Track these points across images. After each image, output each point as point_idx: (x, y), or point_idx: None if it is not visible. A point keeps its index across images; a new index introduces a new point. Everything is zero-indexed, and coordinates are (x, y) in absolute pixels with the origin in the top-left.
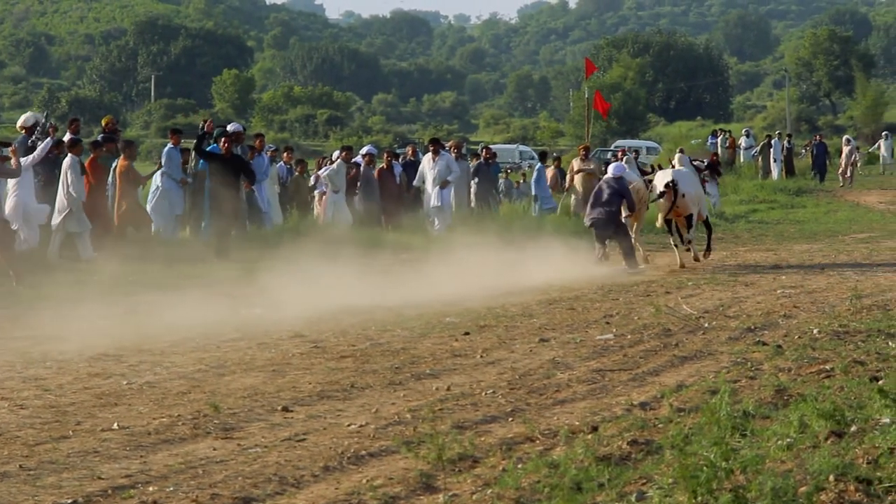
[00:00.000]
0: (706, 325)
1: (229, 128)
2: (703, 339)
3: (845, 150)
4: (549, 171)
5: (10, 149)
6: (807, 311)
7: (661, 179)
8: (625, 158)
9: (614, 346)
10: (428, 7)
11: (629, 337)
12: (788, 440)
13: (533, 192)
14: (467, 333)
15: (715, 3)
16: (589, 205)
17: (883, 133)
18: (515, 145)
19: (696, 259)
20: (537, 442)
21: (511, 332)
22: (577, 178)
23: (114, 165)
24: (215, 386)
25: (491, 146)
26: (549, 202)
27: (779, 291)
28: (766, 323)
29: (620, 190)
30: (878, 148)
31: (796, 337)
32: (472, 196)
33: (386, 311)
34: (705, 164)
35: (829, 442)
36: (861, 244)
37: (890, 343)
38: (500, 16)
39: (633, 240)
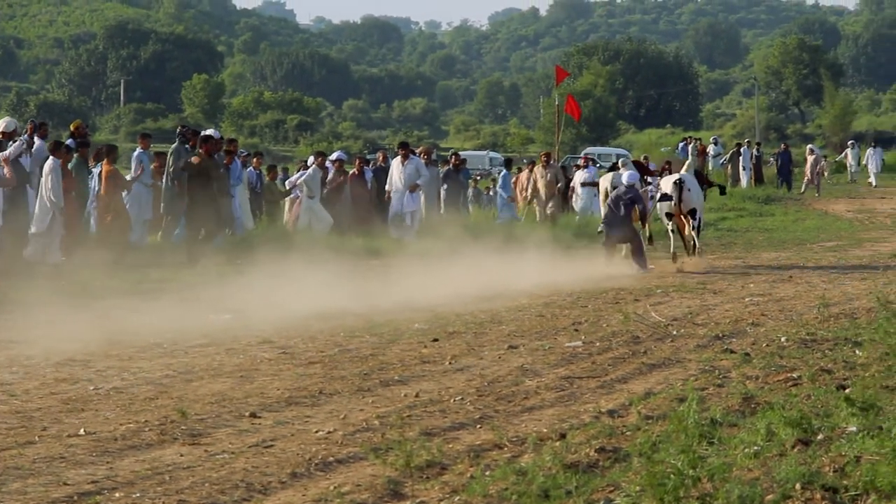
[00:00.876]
0: (674, 332)
1: (213, 133)
2: (672, 346)
3: (809, 159)
4: (524, 175)
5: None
6: (775, 320)
7: (668, 180)
8: (621, 161)
9: (583, 354)
10: (399, 13)
11: (598, 344)
12: (755, 448)
13: (503, 194)
14: (436, 340)
15: (685, 12)
16: (603, 211)
17: (850, 142)
18: (485, 152)
19: (696, 253)
20: (505, 449)
21: (480, 338)
22: (540, 185)
23: (98, 170)
24: (183, 392)
25: (461, 152)
26: (510, 210)
27: (747, 299)
28: (735, 331)
29: (634, 196)
30: (846, 157)
31: (764, 345)
32: (442, 202)
33: (355, 318)
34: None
35: (795, 450)
36: (829, 252)
37: (857, 351)
38: (470, 22)
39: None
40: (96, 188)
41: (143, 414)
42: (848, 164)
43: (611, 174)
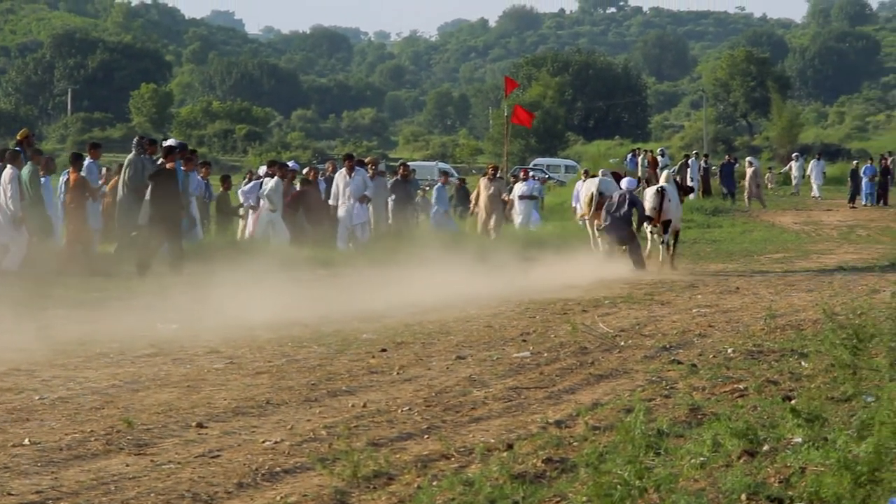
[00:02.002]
0: (622, 343)
1: (174, 143)
2: (619, 357)
3: (749, 171)
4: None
5: None
6: (722, 331)
7: (650, 190)
8: (601, 172)
9: (531, 364)
10: (348, 23)
11: (546, 355)
12: (702, 459)
13: (436, 208)
14: (384, 350)
15: (633, 24)
16: (604, 215)
17: (794, 154)
18: (434, 162)
19: (671, 259)
20: (452, 459)
21: (428, 349)
22: (483, 198)
23: (64, 178)
24: (129, 401)
25: (410, 163)
26: (447, 222)
27: (694, 311)
28: (682, 342)
29: (633, 201)
30: (790, 169)
31: (711, 356)
32: (390, 213)
33: (302, 328)
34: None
35: (741, 461)
36: (776, 264)
37: (803, 363)
38: (420, 33)
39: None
40: (62, 197)
41: (88, 424)
42: (792, 177)
43: (595, 180)
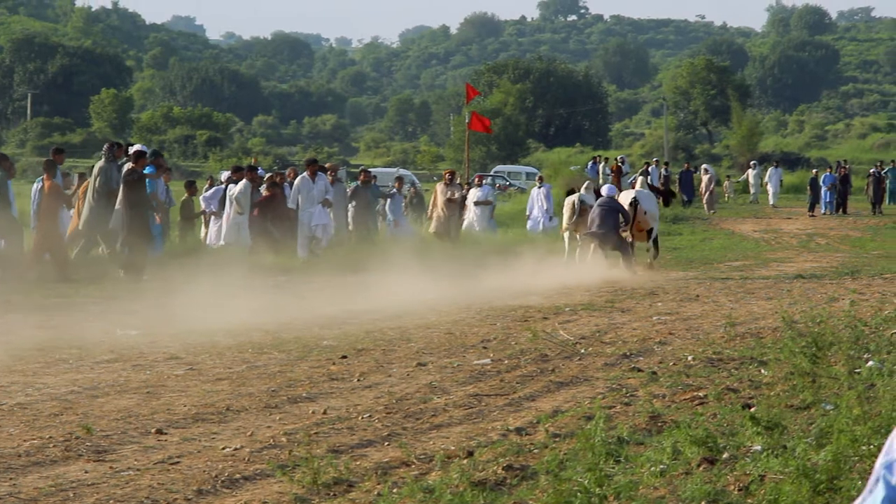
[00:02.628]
0: (582, 350)
1: (141, 148)
2: (580, 364)
3: (704, 178)
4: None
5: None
6: (682, 338)
7: (624, 199)
8: (584, 185)
9: (491, 371)
10: (309, 30)
11: (506, 362)
12: (662, 466)
13: (389, 217)
14: (344, 357)
15: (594, 32)
16: (590, 222)
17: (751, 162)
18: (395, 169)
19: (650, 267)
20: (413, 466)
21: (388, 355)
22: (440, 203)
23: (38, 185)
24: (88, 408)
25: (371, 169)
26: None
27: (654, 318)
28: (642, 349)
29: (616, 207)
30: (748, 177)
31: (671, 364)
32: (350, 219)
33: (263, 334)
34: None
35: (701, 469)
36: (735, 272)
37: (762, 371)
38: (381, 40)
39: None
40: (36, 204)
41: (47, 430)
42: (750, 185)
43: (576, 195)
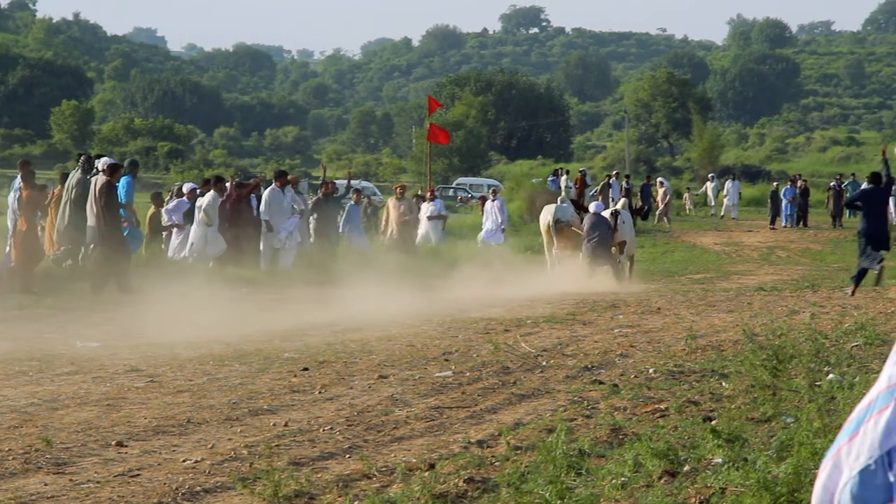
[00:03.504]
0: (544, 363)
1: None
2: (541, 377)
3: (660, 191)
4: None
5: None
6: (643, 351)
7: (606, 213)
8: (559, 199)
9: (453, 384)
10: (271, 41)
11: (468, 374)
12: (623, 479)
13: (341, 230)
14: (306, 369)
15: (556, 44)
16: (584, 240)
17: (710, 175)
18: (358, 181)
19: (623, 280)
20: (374, 479)
21: (350, 368)
22: (392, 220)
23: (16, 195)
24: (48, 420)
25: (333, 181)
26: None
27: (616, 331)
28: (603, 362)
29: (606, 223)
30: (706, 190)
31: (632, 376)
32: (312, 231)
33: (224, 346)
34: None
35: (662, 481)
36: (696, 285)
37: (723, 383)
38: (343, 52)
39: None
40: (13, 212)
41: (6, 442)
42: (708, 197)
43: (552, 207)
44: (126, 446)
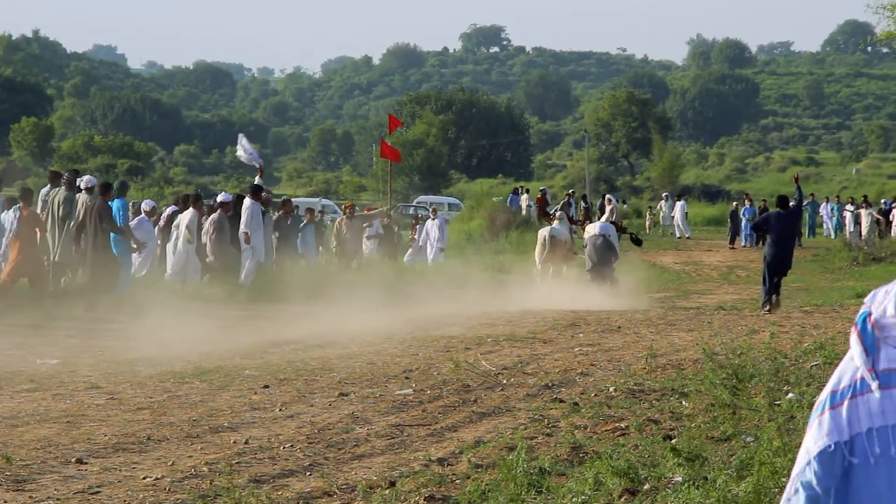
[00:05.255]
0: (505, 381)
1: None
2: (502, 395)
3: (608, 208)
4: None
5: None
6: (603, 370)
7: (591, 229)
8: (558, 215)
9: (413, 402)
10: (231, 59)
11: (428, 392)
12: (583, 497)
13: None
14: (266, 387)
15: (516, 63)
16: (588, 258)
17: (664, 195)
18: (318, 199)
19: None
20: (335, 497)
21: (310, 385)
22: (347, 236)
23: (16, 214)
24: (7, 437)
25: (293, 199)
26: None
27: (576, 349)
28: (564, 380)
29: (610, 244)
30: (660, 209)
31: (593, 394)
32: (274, 249)
33: (184, 363)
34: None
35: (622, 500)
36: (656, 304)
37: (683, 402)
38: (303, 70)
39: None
40: (14, 231)
41: None
42: (661, 217)
43: (547, 229)
44: (86, 463)
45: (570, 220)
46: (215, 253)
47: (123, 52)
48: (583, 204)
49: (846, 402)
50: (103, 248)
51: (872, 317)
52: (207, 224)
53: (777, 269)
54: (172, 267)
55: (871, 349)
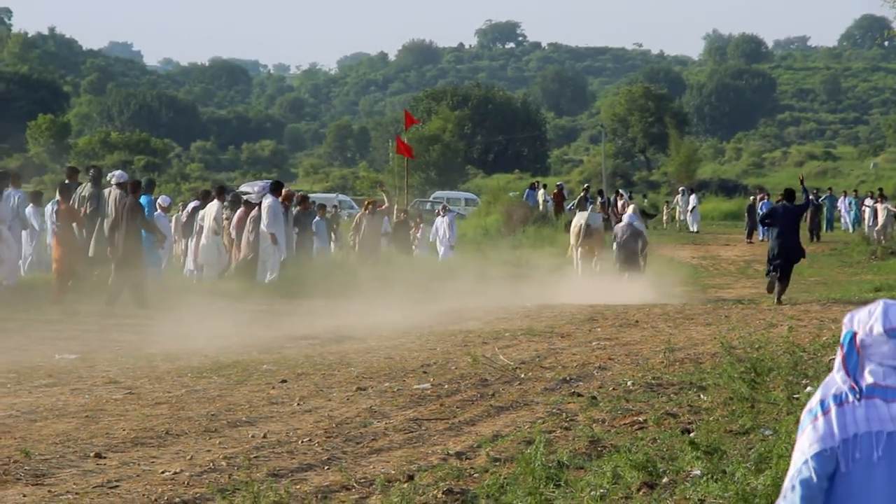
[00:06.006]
0: (522, 375)
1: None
2: (520, 389)
3: (619, 203)
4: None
5: None
6: (621, 363)
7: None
8: (590, 209)
9: (431, 396)
10: (247, 56)
11: (446, 386)
12: (602, 491)
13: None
14: (284, 381)
15: (532, 59)
16: (615, 246)
17: (681, 189)
18: (335, 194)
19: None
20: (353, 490)
21: (328, 380)
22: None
23: (54, 208)
24: (27, 432)
25: (310, 195)
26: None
27: (594, 343)
28: (582, 374)
29: (636, 232)
30: (676, 203)
31: (611, 388)
32: (293, 244)
33: (202, 358)
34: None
35: (641, 493)
36: (674, 298)
37: (701, 395)
38: (319, 66)
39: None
40: (53, 225)
41: None
42: (678, 212)
43: (585, 213)
44: (105, 458)
45: (604, 209)
46: (253, 247)
47: (139, 49)
48: (599, 199)
49: (834, 410)
50: (135, 245)
51: (858, 337)
52: (235, 219)
53: (782, 261)
54: (202, 259)
55: (853, 371)
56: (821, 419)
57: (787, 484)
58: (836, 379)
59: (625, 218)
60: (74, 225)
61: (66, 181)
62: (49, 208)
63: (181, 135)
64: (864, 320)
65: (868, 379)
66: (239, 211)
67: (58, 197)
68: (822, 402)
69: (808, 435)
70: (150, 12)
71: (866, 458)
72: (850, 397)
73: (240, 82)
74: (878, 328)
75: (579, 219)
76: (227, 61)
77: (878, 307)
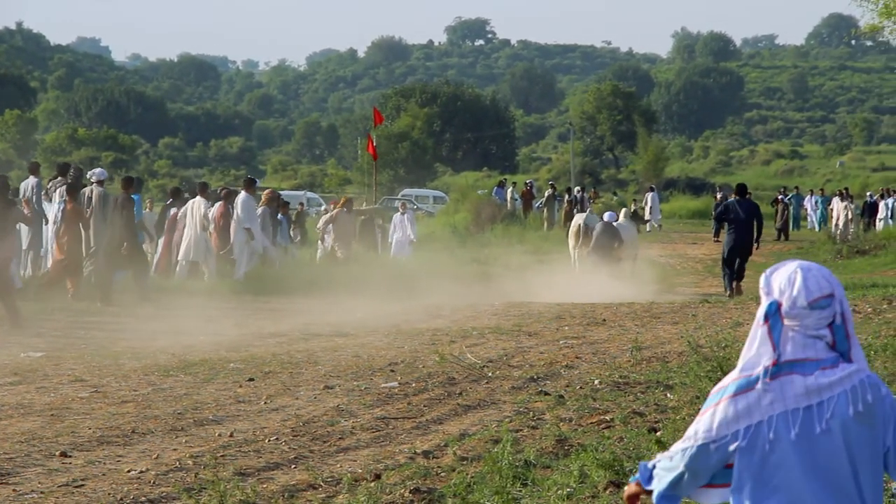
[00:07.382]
0: (490, 374)
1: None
2: (487, 388)
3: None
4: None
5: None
6: (588, 362)
7: (577, 219)
8: (588, 210)
9: (399, 394)
10: (216, 52)
11: (414, 385)
12: (569, 490)
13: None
14: (252, 380)
15: (501, 56)
16: (592, 242)
17: (650, 187)
18: (303, 192)
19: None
20: (320, 489)
21: (296, 378)
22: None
23: (62, 207)
24: None
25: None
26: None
27: (561, 342)
28: (549, 373)
29: (614, 231)
30: (645, 202)
31: (578, 387)
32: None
33: (169, 357)
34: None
35: (608, 492)
36: (642, 297)
37: (668, 394)
38: (288, 62)
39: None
40: (57, 225)
41: None
42: (647, 210)
43: (583, 215)
44: (70, 457)
45: (633, 215)
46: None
47: (107, 45)
48: (567, 196)
49: (747, 392)
50: (132, 239)
51: (783, 308)
52: (215, 211)
53: (737, 256)
54: (193, 256)
55: (778, 343)
56: (724, 403)
57: (676, 446)
58: (753, 353)
59: (605, 216)
60: (81, 226)
61: (72, 182)
62: (55, 206)
63: (149, 131)
64: (786, 290)
65: (788, 352)
66: (218, 205)
67: (65, 196)
68: (736, 383)
69: (706, 418)
70: (119, 8)
71: (784, 437)
72: (762, 380)
73: (208, 78)
74: (801, 301)
75: (578, 219)
76: (196, 57)
77: (797, 276)
